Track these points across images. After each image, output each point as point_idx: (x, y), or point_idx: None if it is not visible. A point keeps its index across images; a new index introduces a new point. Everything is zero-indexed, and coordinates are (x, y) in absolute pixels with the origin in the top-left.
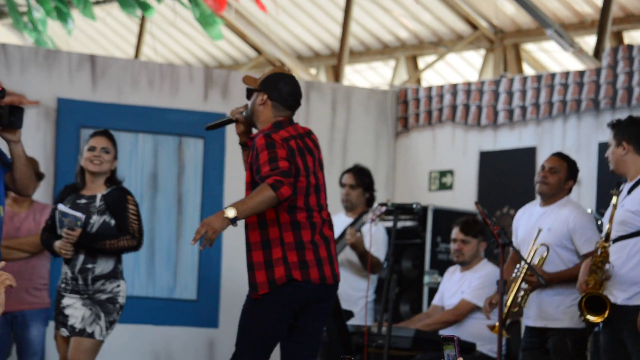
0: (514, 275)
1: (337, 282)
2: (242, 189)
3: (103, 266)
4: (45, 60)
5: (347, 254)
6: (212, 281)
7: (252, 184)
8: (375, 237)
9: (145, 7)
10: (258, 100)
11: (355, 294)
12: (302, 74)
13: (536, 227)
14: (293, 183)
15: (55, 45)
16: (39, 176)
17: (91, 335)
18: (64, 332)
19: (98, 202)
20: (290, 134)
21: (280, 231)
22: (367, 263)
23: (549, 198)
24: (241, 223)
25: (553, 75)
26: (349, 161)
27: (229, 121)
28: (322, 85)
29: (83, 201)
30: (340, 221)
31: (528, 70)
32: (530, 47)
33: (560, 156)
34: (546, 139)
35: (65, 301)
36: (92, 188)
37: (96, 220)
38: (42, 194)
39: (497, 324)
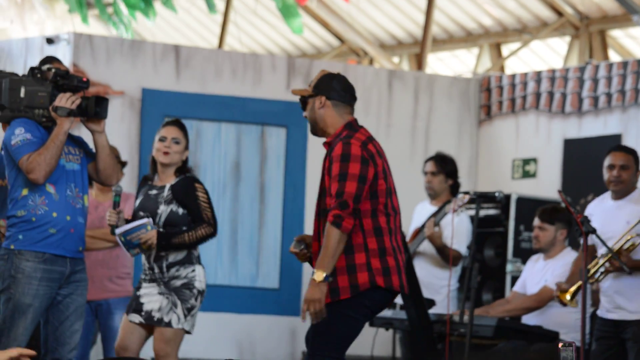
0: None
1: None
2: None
3: (176, 253)
4: (130, 51)
5: (428, 244)
6: (294, 270)
7: (322, 193)
8: (458, 228)
9: (210, 6)
10: (317, 105)
11: (437, 282)
12: (384, 63)
13: (615, 220)
14: (356, 208)
15: (137, 35)
16: (122, 164)
17: (169, 324)
18: (136, 317)
19: (166, 192)
20: (367, 136)
21: (364, 237)
22: (444, 256)
23: (625, 193)
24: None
25: (639, 62)
26: (431, 150)
27: None
28: (404, 73)
29: (154, 192)
30: (425, 210)
31: (614, 57)
32: (617, 34)
33: (625, 150)
34: (632, 126)
35: (143, 290)
36: (163, 178)
37: (163, 210)
38: (127, 183)
39: (570, 289)
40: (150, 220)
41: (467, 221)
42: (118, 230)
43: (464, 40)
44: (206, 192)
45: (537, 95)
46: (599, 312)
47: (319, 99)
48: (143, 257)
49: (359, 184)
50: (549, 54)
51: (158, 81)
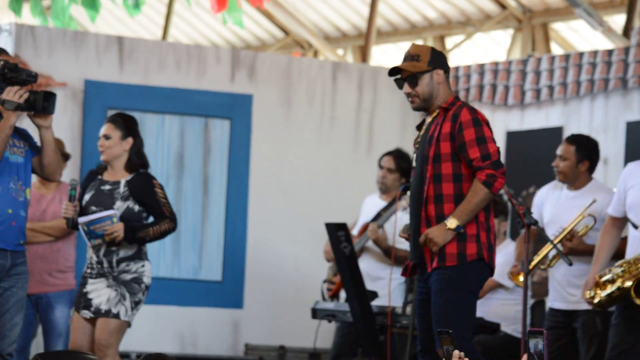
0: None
1: None
2: (268, 171)
3: (126, 248)
4: (72, 42)
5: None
6: (237, 262)
7: (435, 158)
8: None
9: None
10: (436, 78)
11: (386, 276)
12: (329, 55)
13: (567, 210)
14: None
15: (80, 26)
16: (65, 156)
17: (117, 316)
18: (87, 314)
19: (122, 189)
20: None
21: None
22: (390, 256)
23: (573, 183)
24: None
25: (581, 55)
26: (374, 142)
27: None
28: (349, 65)
29: (107, 187)
30: (374, 203)
31: (556, 50)
32: (559, 26)
33: (567, 141)
34: (573, 119)
35: (89, 286)
36: (113, 173)
37: (120, 206)
38: (69, 175)
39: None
40: (117, 212)
41: None
42: (82, 219)
43: (408, 33)
44: (162, 188)
45: (481, 88)
46: (549, 302)
47: (436, 73)
48: (90, 251)
49: (496, 145)
50: (492, 47)
51: (101, 73)
